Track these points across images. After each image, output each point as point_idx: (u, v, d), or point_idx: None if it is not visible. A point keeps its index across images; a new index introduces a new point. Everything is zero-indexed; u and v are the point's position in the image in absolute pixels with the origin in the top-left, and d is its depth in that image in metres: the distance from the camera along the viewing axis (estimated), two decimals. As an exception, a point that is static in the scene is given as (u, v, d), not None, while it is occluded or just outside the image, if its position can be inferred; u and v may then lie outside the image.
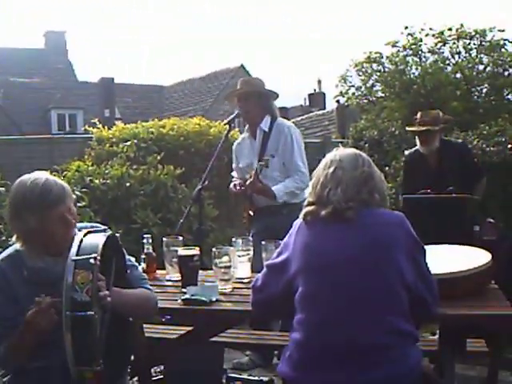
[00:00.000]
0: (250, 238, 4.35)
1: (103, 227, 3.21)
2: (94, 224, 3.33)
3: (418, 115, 6.40)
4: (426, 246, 3.08)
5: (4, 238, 5.83)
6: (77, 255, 2.77)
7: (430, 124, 6.22)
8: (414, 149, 6.58)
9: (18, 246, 3.11)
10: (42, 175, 3.06)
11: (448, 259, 3.66)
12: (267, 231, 5.11)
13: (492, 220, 6.27)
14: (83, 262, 2.74)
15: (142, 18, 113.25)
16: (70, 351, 2.67)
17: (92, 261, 2.74)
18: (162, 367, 5.17)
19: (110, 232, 3.07)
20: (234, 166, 5.93)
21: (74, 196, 6.62)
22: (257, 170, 5.32)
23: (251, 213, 5.66)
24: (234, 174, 5.91)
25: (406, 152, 6.84)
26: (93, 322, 2.68)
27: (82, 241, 2.85)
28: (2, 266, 3.09)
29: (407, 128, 6.56)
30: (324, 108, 32.16)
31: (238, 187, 5.60)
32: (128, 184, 7.64)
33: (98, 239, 2.89)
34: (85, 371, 2.72)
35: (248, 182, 5.39)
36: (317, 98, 36.04)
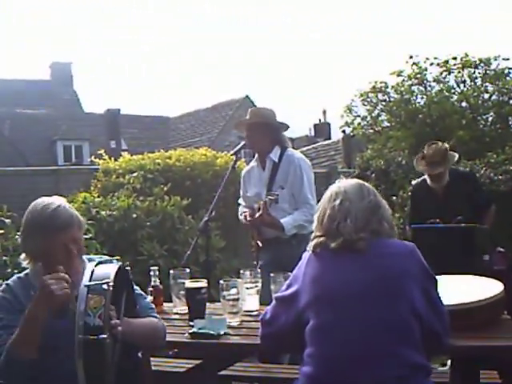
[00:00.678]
0: (258, 270, 4.30)
1: (110, 258, 3.23)
2: (103, 256, 3.34)
3: (426, 151, 6.36)
4: (436, 277, 3.04)
5: (10, 269, 5.80)
6: (90, 281, 2.80)
7: (441, 165, 6.22)
8: (420, 179, 6.57)
9: (27, 270, 3.18)
10: (57, 201, 3.12)
11: (460, 290, 3.61)
12: (275, 262, 5.07)
13: (502, 249, 6.22)
14: (96, 287, 2.77)
15: (147, 49, 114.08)
16: (82, 377, 2.65)
17: (105, 286, 2.76)
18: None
19: (121, 264, 3.08)
20: (241, 193, 5.88)
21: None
22: (265, 203, 5.27)
23: (259, 243, 5.61)
24: (241, 201, 5.86)
25: (413, 182, 6.82)
26: (105, 346, 2.68)
27: (93, 270, 2.88)
28: (12, 284, 3.16)
29: (418, 168, 6.50)
30: (329, 138, 32.24)
31: (248, 218, 5.54)
32: (134, 215, 7.63)
33: (110, 268, 2.93)
34: None
35: (257, 215, 5.34)
36: (322, 129, 36.14)
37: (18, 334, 2.91)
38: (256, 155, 5.75)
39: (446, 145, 6.41)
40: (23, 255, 3.17)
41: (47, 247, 3.02)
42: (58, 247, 3.02)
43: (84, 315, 2.69)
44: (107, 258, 3.29)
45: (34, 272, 3.16)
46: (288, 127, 5.73)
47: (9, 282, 3.19)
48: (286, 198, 5.43)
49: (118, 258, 3.27)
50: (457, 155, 6.36)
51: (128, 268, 3.17)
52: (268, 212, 5.31)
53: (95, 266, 2.93)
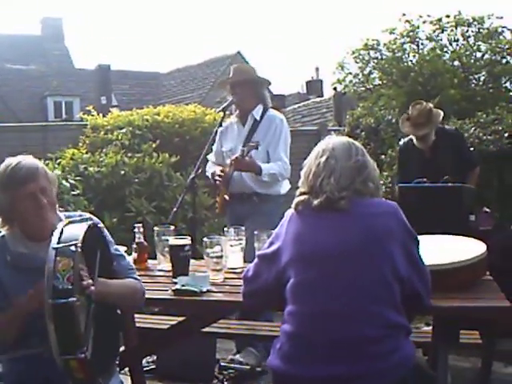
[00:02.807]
0: (243, 228, 4.30)
1: (89, 216, 3.18)
2: (83, 213, 3.30)
3: (411, 112, 6.38)
4: (420, 236, 3.04)
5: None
6: (58, 244, 2.75)
7: (425, 126, 6.25)
8: (407, 138, 6.57)
9: (3, 231, 3.13)
10: (20, 158, 3.08)
11: (442, 249, 3.62)
12: (237, 218, 5.26)
13: (488, 210, 6.23)
14: (64, 249, 2.72)
15: (139, 4, 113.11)
16: (54, 340, 2.63)
17: (73, 248, 2.72)
18: (155, 357, 5.15)
19: (91, 222, 3.03)
20: (214, 148, 5.90)
21: (68, 184, 6.59)
22: (244, 151, 5.27)
23: (227, 197, 5.63)
24: (211, 157, 5.88)
25: (401, 141, 6.82)
26: (75, 309, 2.65)
27: (62, 231, 2.83)
28: None
29: (403, 129, 6.54)
30: (322, 95, 32.02)
31: (216, 176, 5.61)
32: (122, 172, 7.62)
33: (79, 228, 2.88)
34: (70, 360, 2.67)
35: (233, 158, 5.34)
36: (314, 86, 35.91)
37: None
38: (236, 112, 5.78)
39: (430, 105, 6.41)
40: None
41: (15, 202, 3.00)
42: (25, 199, 2.99)
43: (52, 278, 2.65)
44: (85, 214, 3.25)
45: (10, 235, 3.12)
46: (270, 83, 5.85)
47: None
48: (261, 156, 5.47)
49: (90, 215, 3.19)
50: (441, 114, 6.37)
51: (101, 226, 3.12)
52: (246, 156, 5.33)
53: (64, 226, 2.88)
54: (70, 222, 2.95)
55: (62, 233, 2.81)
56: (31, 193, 3.00)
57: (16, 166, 3.02)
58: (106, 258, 3.12)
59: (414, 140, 6.37)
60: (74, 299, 2.64)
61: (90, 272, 2.85)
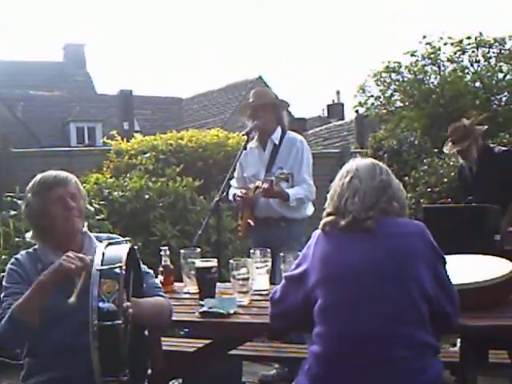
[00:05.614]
0: (268, 250, 4.30)
1: (120, 238, 3.23)
2: (111, 235, 3.36)
3: (449, 131, 6.61)
4: (446, 256, 3.04)
5: (22, 251, 5.83)
6: (101, 265, 2.79)
7: (458, 142, 6.44)
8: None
9: (36, 246, 3.28)
10: (55, 171, 3.30)
11: (469, 269, 3.61)
12: (263, 242, 5.11)
13: (513, 229, 6.21)
14: (109, 271, 2.76)
15: (160, 31, 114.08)
16: (97, 361, 2.66)
17: (118, 270, 2.76)
18: (181, 380, 5.15)
19: (130, 244, 3.07)
20: (235, 175, 5.92)
21: (92, 208, 6.63)
22: (273, 181, 5.29)
23: (251, 222, 5.65)
24: (233, 183, 5.91)
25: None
26: (120, 332, 2.69)
27: (104, 253, 2.87)
28: (20, 258, 3.26)
29: (445, 150, 6.76)
30: (343, 118, 32.09)
31: (241, 194, 5.67)
32: (147, 196, 7.66)
33: (121, 250, 2.92)
34: (111, 382, 2.70)
35: (263, 187, 5.36)
36: (335, 109, 36.02)
37: (24, 298, 2.97)
38: (256, 136, 5.82)
39: (466, 121, 6.52)
40: (29, 233, 3.30)
41: (44, 204, 3.14)
42: (55, 202, 3.14)
43: (98, 300, 2.69)
44: (114, 236, 3.32)
45: (41, 247, 3.25)
46: (289, 106, 5.97)
47: (18, 256, 3.28)
48: None
49: (127, 238, 3.26)
50: (481, 129, 6.58)
51: (136, 247, 3.16)
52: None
53: (105, 247, 2.92)
54: (110, 244, 3.00)
55: (104, 254, 2.85)
56: (60, 196, 3.15)
57: (47, 174, 3.24)
58: (138, 278, 3.15)
59: (460, 159, 6.61)
60: (120, 322, 2.68)
61: (126, 293, 2.89)
